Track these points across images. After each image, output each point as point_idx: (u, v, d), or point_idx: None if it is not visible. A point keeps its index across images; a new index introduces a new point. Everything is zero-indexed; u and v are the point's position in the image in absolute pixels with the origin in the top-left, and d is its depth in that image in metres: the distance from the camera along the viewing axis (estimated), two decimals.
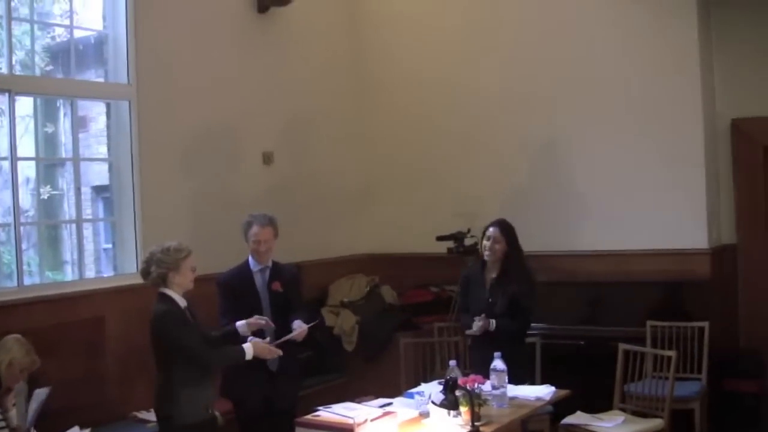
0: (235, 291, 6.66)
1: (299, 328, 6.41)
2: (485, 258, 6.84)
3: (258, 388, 6.53)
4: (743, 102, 8.63)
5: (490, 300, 6.73)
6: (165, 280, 5.69)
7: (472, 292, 6.95)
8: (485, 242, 6.84)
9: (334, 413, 5.48)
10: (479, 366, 6.21)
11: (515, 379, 6.09)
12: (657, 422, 6.68)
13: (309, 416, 5.56)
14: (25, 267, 7.13)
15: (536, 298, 6.90)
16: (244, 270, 6.77)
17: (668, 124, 8.48)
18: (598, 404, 6.95)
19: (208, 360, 5.68)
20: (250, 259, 6.79)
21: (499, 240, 6.77)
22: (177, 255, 5.69)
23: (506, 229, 6.86)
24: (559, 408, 6.76)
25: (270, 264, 6.80)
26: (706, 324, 7.72)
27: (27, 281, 7.13)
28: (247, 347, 5.69)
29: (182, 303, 5.71)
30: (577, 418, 6.71)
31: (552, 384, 6.33)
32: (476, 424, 5.34)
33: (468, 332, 6.77)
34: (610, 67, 8.78)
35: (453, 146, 9.64)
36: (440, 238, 8.63)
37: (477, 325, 6.60)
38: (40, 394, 5.76)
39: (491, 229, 6.84)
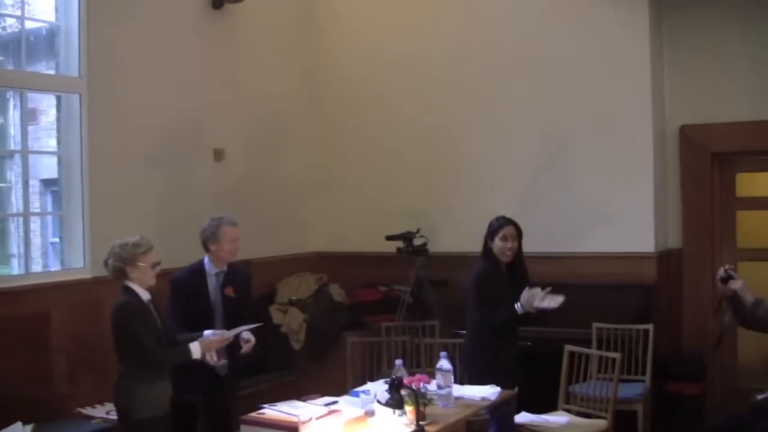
0: (187, 292, 6.66)
1: (249, 341, 6.44)
2: (503, 258, 6.56)
3: (198, 384, 6.60)
4: (692, 109, 8.72)
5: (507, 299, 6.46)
6: (124, 273, 5.67)
7: (493, 291, 6.51)
8: (500, 242, 6.55)
9: (279, 411, 5.47)
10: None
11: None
12: (601, 423, 6.75)
13: (254, 414, 5.54)
14: None
15: None
16: (198, 272, 6.75)
17: (618, 129, 8.57)
18: (543, 405, 7.01)
19: (159, 359, 5.64)
20: (206, 261, 6.76)
21: (516, 238, 6.58)
22: (134, 250, 5.67)
23: (518, 225, 6.67)
24: None
25: (225, 268, 6.79)
26: (650, 327, 7.81)
27: None
28: (194, 346, 5.64)
29: (145, 296, 5.70)
30: (522, 417, 6.74)
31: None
32: (421, 423, 5.35)
33: (537, 305, 6.39)
34: (560, 71, 8.85)
35: (404, 146, 9.67)
36: (389, 238, 8.66)
37: (555, 298, 6.45)
38: None
39: (508, 228, 6.58)
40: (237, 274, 6.89)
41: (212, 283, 6.73)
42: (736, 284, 6.17)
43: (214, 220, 6.74)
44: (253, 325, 6.09)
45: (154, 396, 5.61)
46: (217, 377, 6.70)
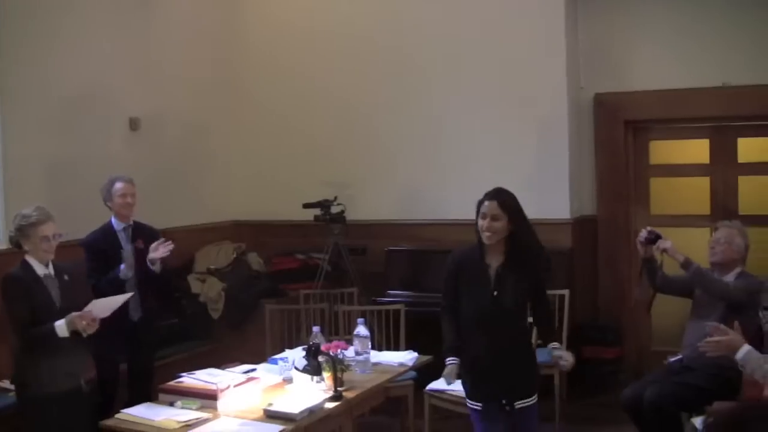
0: (100, 250, 6.84)
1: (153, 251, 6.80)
2: (484, 240, 5.15)
3: (118, 344, 6.74)
4: (606, 77, 8.84)
5: (495, 294, 5.10)
6: (19, 245, 5.62)
7: (467, 285, 5.21)
8: (480, 221, 5.19)
9: (197, 379, 5.48)
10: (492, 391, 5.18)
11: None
12: None
13: (172, 382, 5.55)
14: None
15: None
16: (107, 230, 6.99)
17: (534, 97, 8.66)
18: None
19: (24, 337, 5.52)
20: (113, 219, 7.00)
21: (498, 216, 5.13)
22: (24, 221, 5.59)
23: (506, 200, 5.20)
24: (421, 374, 6.88)
25: (131, 223, 7.05)
26: (566, 292, 7.90)
27: None
28: (60, 325, 5.42)
29: (41, 271, 5.59)
30: (441, 383, 6.78)
31: (418, 350, 6.45)
32: (339, 389, 5.41)
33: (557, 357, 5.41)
34: (476, 41, 8.90)
35: (325, 113, 9.66)
36: (307, 206, 8.67)
37: (563, 359, 5.38)
38: None
39: (486, 204, 5.19)
40: (145, 229, 7.14)
41: (122, 237, 7.00)
42: (665, 243, 6.28)
43: (108, 180, 7.03)
44: (123, 296, 6.02)
45: (46, 372, 5.47)
46: (136, 346, 6.87)
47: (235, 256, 9.29)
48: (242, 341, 8.53)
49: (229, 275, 9.00)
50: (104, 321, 5.63)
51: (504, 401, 5.11)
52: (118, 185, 6.95)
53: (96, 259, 6.82)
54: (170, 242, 6.91)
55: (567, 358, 5.30)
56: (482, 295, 5.13)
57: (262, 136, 10.04)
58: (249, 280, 9.07)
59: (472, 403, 5.22)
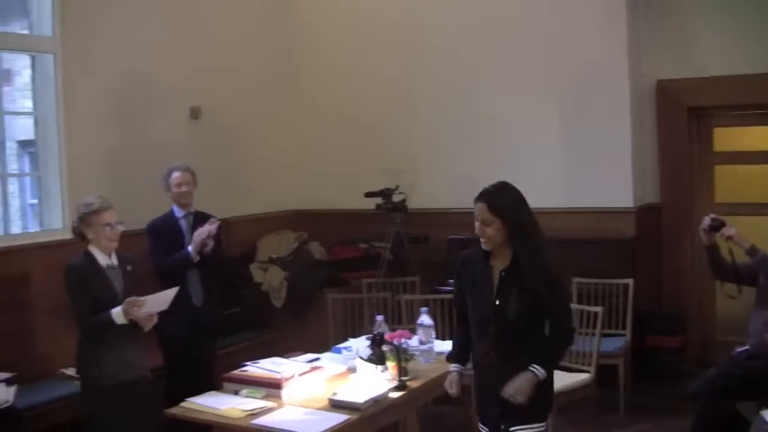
0: (163, 235, 6.98)
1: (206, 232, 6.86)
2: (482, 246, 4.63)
3: (181, 328, 6.78)
4: (669, 63, 8.72)
5: (497, 303, 4.51)
6: (82, 235, 5.66)
7: (471, 288, 4.69)
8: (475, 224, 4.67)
9: (261, 368, 5.50)
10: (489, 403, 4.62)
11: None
12: (585, 376, 6.80)
13: (236, 371, 5.58)
14: None
15: (567, 294, 5.24)
16: (169, 217, 7.12)
17: (595, 84, 8.56)
18: None
19: (84, 326, 5.58)
20: (175, 207, 7.11)
21: (489, 221, 4.55)
22: (85, 210, 5.62)
23: (497, 202, 4.57)
24: None
25: (192, 210, 7.14)
26: (630, 281, 7.85)
27: None
28: (116, 312, 5.46)
29: (104, 261, 5.62)
30: None
31: None
32: (403, 378, 5.40)
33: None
34: (535, 28, 8.84)
35: (382, 101, 9.66)
36: (368, 195, 8.66)
37: (510, 394, 4.45)
38: None
39: (475, 205, 4.64)
40: (206, 217, 7.13)
41: (183, 225, 7.10)
42: (730, 230, 6.17)
43: (167, 169, 7.15)
44: (172, 290, 6.02)
45: (108, 363, 5.52)
46: (197, 332, 6.93)
47: (296, 245, 9.31)
48: (304, 330, 8.55)
49: (291, 264, 9.02)
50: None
51: (502, 426, 4.51)
52: (175, 174, 7.08)
53: (159, 242, 6.94)
54: (215, 220, 6.97)
55: (517, 397, 4.38)
56: (484, 302, 4.57)
57: (323, 125, 10.06)
58: (311, 269, 9.09)
59: (481, 426, 4.70)
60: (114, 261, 5.68)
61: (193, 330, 6.88)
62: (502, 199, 4.57)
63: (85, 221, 5.60)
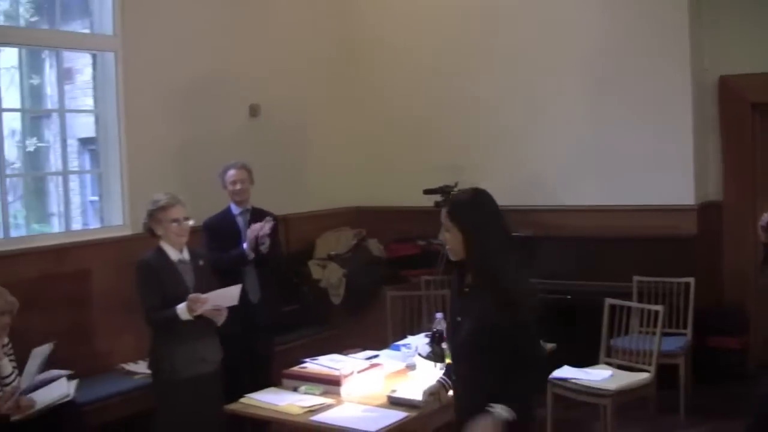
0: (219, 232, 7.03)
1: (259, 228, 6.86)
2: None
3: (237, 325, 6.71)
4: (731, 59, 8.59)
5: (458, 320, 4.13)
6: (152, 231, 5.72)
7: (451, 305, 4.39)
8: None
9: (320, 365, 5.51)
10: None
11: None
12: (645, 376, 6.72)
13: (296, 368, 5.60)
14: (11, 219, 7.15)
15: (532, 319, 4.07)
16: (226, 214, 7.20)
17: (656, 79, 8.46)
18: (584, 359, 6.98)
19: (151, 321, 5.65)
20: (231, 204, 7.18)
21: (448, 227, 4.09)
22: (153, 206, 5.72)
23: (457, 208, 4.10)
24: None
25: (249, 207, 7.20)
26: (691, 280, 7.75)
27: (13, 233, 7.16)
28: (181, 307, 5.51)
29: (175, 256, 5.71)
30: (565, 372, 6.72)
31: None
32: None
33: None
34: (596, 22, 8.75)
35: (442, 97, 9.61)
36: (427, 192, 8.61)
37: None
38: (41, 352, 5.77)
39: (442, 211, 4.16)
40: (263, 214, 7.16)
41: (240, 222, 7.15)
42: None
43: (223, 166, 7.23)
44: (236, 287, 6.02)
45: (179, 357, 5.60)
46: (253, 329, 6.97)
47: (355, 242, 9.32)
48: (362, 327, 8.54)
49: (350, 261, 9.03)
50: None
51: None
52: (230, 172, 7.15)
53: (215, 239, 6.98)
54: (270, 219, 6.97)
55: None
56: (451, 317, 4.23)
57: (381, 122, 10.05)
58: (369, 266, 9.10)
59: None
60: (186, 256, 5.76)
61: (248, 327, 6.89)
62: (464, 206, 4.08)
63: (153, 217, 5.70)
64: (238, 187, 7.11)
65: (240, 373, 6.64)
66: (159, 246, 5.72)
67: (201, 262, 5.85)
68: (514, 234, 7.65)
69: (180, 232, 5.70)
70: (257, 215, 7.13)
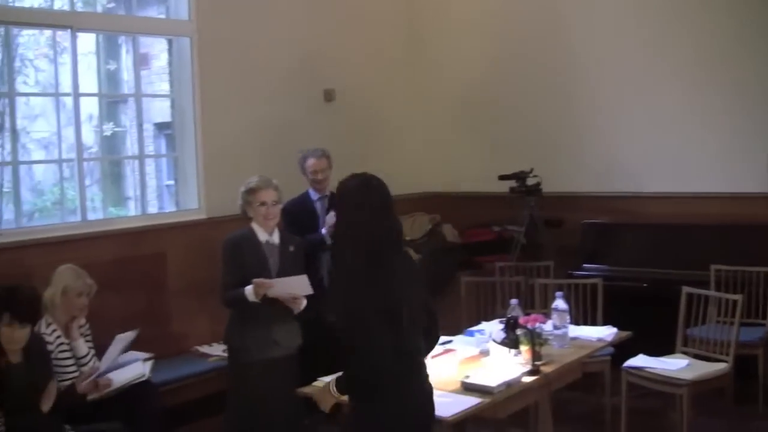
0: (298, 217, 7.01)
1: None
2: None
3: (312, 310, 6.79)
4: None
5: None
6: (246, 214, 5.88)
7: None
8: None
9: None
10: None
11: None
12: (722, 366, 6.62)
13: None
14: (88, 202, 7.25)
15: (342, 325, 4.22)
16: (305, 199, 7.25)
17: (736, 68, 8.33)
18: (660, 348, 6.91)
19: (222, 300, 5.78)
20: (310, 190, 7.24)
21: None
22: (245, 188, 5.86)
23: (336, 193, 4.54)
24: (619, 350, 6.76)
25: (328, 194, 7.20)
26: None
27: (90, 216, 7.25)
28: (248, 289, 5.60)
29: (263, 237, 5.81)
30: (640, 360, 6.66)
31: (613, 326, 6.33)
32: (536, 363, 5.35)
33: None
34: (675, 10, 8.64)
35: (518, 83, 9.54)
36: (502, 177, 8.57)
37: None
38: (124, 338, 5.91)
39: None
40: None
41: (318, 207, 7.22)
42: None
43: (302, 153, 7.26)
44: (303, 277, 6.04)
45: (249, 340, 5.71)
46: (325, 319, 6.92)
47: (430, 227, 9.32)
48: (438, 312, 8.52)
49: (424, 247, 9.00)
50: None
51: None
52: (310, 161, 7.18)
53: (293, 224, 6.93)
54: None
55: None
56: None
57: (456, 107, 10.01)
58: (444, 252, 9.10)
59: None
60: (275, 239, 5.88)
61: (322, 313, 6.94)
62: (339, 191, 4.46)
63: (245, 200, 5.85)
64: (319, 177, 7.17)
65: (318, 358, 6.68)
66: (250, 226, 5.84)
67: (291, 248, 5.95)
68: (588, 222, 7.61)
69: (267, 215, 5.82)
70: (335, 200, 7.15)
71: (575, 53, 9.18)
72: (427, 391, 4.37)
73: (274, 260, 5.81)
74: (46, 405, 5.25)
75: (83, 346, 5.92)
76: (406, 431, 4.21)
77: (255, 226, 5.84)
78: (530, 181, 8.57)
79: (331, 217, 6.83)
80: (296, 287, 5.74)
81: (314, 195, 7.24)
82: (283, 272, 5.73)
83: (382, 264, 4.16)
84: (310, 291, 5.76)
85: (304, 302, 5.78)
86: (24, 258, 6.47)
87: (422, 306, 4.41)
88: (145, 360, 6.05)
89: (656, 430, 6.97)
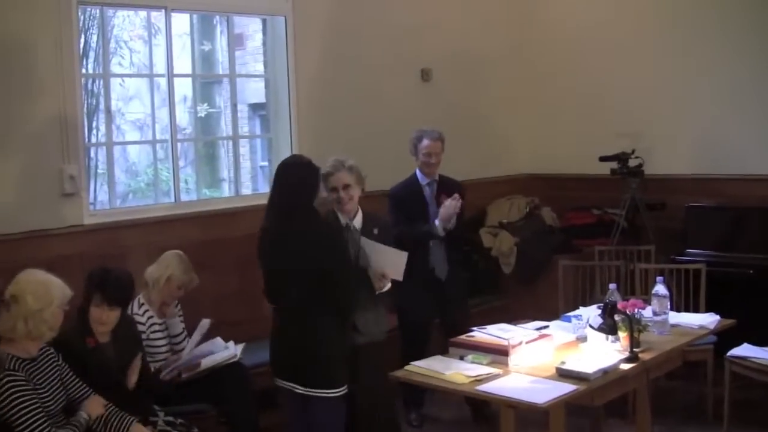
0: (404, 202, 7.04)
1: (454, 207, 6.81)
2: None
3: (426, 299, 6.95)
4: None
5: None
6: None
7: None
8: None
9: (488, 334, 5.50)
10: None
11: None
12: None
13: (463, 336, 5.60)
14: (182, 184, 7.37)
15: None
16: (412, 183, 7.20)
17: None
18: (765, 337, 6.77)
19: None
20: (418, 172, 7.19)
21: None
22: (323, 171, 5.68)
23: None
24: (722, 339, 6.66)
25: (437, 177, 7.18)
26: None
27: (184, 198, 7.35)
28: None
29: (343, 220, 5.77)
30: (745, 350, 6.55)
31: (716, 313, 6.22)
32: (635, 350, 5.30)
33: None
34: None
35: (619, 61, 9.42)
36: (603, 159, 8.49)
37: None
38: (203, 326, 6.02)
39: None
40: (450, 184, 7.22)
41: (427, 192, 7.16)
42: None
43: (417, 132, 7.19)
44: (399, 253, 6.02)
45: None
46: (445, 303, 7.11)
47: (527, 210, 9.28)
48: (533, 297, 8.54)
49: (522, 229, 9.00)
50: (407, 279, 5.83)
51: None
52: (425, 142, 7.13)
53: (400, 209, 7.00)
54: (457, 197, 6.92)
55: None
56: None
57: (556, 87, 9.95)
58: (542, 235, 9.05)
59: None
60: (356, 223, 5.80)
61: (439, 304, 6.97)
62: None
63: (323, 182, 5.66)
64: (432, 160, 7.13)
65: (427, 347, 6.70)
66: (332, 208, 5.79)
67: (376, 231, 5.84)
68: (692, 205, 7.51)
69: (339, 201, 5.74)
70: (445, 186, 7.17)
71: (677, 34, 9.01)
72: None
73: (352, 245, 5.70)
74: (131, 381, 5.35)
75: (178, 325, 6.07)
76: None
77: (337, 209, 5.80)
78: (632, 163, 8.47)
79: (446, 210, 6.84)
80: (391, 264, 5.71)
81: (423, 179, 7.19)
82: (356, 257, 5.68)
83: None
84: (400, 277, 5.74)
85: (389, 284, 5.75)
86: (117, 238, 6.63)
87: None
88: (237, 341, 6.15)
89: (761, 422, 6.84)
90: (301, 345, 5.24)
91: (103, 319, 5.22)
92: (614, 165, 8.48)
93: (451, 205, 6.83)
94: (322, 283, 5.15)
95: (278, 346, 5.44)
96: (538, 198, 9.58)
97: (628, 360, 5.24)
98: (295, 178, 5.27)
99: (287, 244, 5.26)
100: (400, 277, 5.75)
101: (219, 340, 6.12)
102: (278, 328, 5.43)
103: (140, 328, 5.78)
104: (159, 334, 5.94)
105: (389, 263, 5.71)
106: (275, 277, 5.43)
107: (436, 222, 6.89)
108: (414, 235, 6.81)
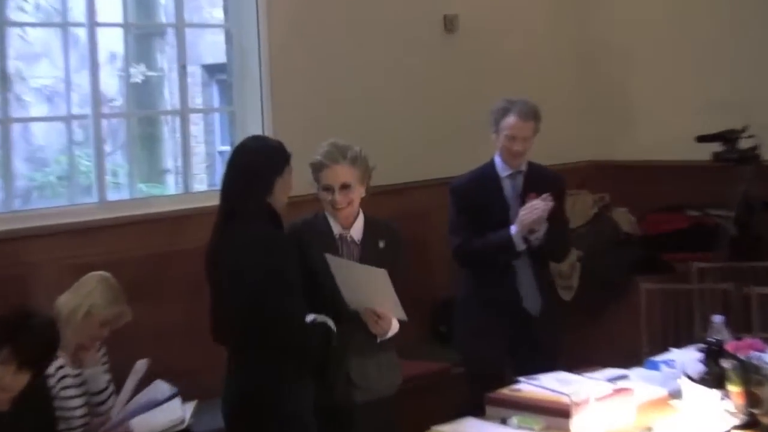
0: (474, 201, 6.71)
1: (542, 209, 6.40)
2: None
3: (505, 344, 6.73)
4: None
5: None
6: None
7: None
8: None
9: (542, 387, 5.40)
10: None
11: None
12: None
13: (506, 390, 5.49)
14: (109, 177, 7.31)
15: None
16: (487, 174, 6.84)
17: None
18: None
19: None
20: (497, 159, 6.81)
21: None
22: (313, 160, 5.63)
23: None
24: None
25: (524, 168, 6.82)
26: None
27: (112, 196, 7.33)
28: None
29: (336, 230, 5.67)
30: None
31: None
32: (753, 411, 5.19)
33: None
34: None
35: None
36: (701, 139, 8.45)
37: None
38: (138, 369, 5.88)
39: None
40: (545, 177, 6.87)
41: (507, 186, 6.79)
42: None
43: (503, 102, 6.77)
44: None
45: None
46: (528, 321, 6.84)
47: (595, 211, 9.32)
48: (604, 333, 8.57)
49: (587, 238, 9.01)
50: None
51: None
52: (510, 119, 6.68)
53: (463, 212, 6.74)
54: (548, 197, 6.46)
55: None
56: None
57: (629, 39, 10.01)
58: (615, 247, 9.11)
59: None
60: (354, 233, 5.68)
61: (528, 353, 6.69)
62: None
63: (313, 175, 5.60)
64: (517, 146, 6.69)
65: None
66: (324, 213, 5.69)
67: (382, 244, 5.70)
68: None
69: (335, 204, 5.57)
70: (537, 179, 6.80)
71: None
72: None
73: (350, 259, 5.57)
74: None
75: (101, 377, 5.93)
76: None
77: (328, 213, 5.63)
78: (743, 144, 8.40)
79: (528, 212, 6.39)
80: (379, 292, 5.43)
81: (504, 168, 6.79)
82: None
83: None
84: (401, 314, 5.50)
85: (394, 327, 5.58)
86: (17, 254, 6.59)
87: None
88: (183, 399, 6.04)
89: None
90: (253, 398, 5.26)
91: (6, 383, 5.06)
92: (718, 147, 8.41)
93: (536, 207, 6.39)
94: (257, 312, 5.13)
95: (228, 398, 5.47)
96: (610, 194, 9.59)
97: (743, 426, 5.15)
98: (246, 166, 5.27)
99: (220, 260, 5.29)
100: (401, 315, 5.51)
101: (160, 382, 5.99)
102: (228, 375, 5.45)
103: (49, 382, 5.66)
104: (73, 391, 5.80)
105: (375, 291, 5.47)
106: (215, 305, 5.44)
107: (512, 230, 6.50)
108: (481, 248, 6.56)
